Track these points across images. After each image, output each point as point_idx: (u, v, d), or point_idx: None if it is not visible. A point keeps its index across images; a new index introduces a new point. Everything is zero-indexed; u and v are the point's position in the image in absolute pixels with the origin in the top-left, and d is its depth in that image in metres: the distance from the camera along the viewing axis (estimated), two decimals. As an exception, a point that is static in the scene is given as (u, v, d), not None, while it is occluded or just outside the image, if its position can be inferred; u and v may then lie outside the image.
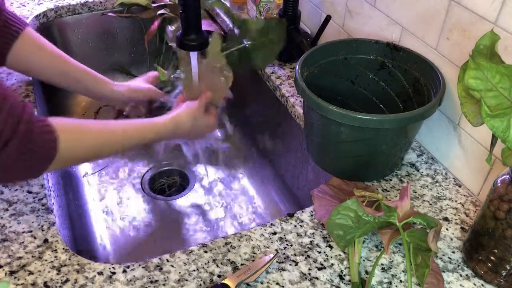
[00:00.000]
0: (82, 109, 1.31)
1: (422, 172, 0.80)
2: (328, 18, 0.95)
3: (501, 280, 0.62)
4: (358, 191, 0.71)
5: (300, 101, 0.96)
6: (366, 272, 0.64)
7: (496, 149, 0.57)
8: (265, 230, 0.70)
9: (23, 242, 0.66)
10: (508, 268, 0.61)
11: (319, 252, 0.66)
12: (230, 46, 0.94)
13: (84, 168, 1.14)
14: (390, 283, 0.62)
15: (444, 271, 0.64)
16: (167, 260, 0.65)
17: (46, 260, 0.64)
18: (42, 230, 0.68)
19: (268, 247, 0.67)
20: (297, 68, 0.75)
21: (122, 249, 0.96)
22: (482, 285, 0.63)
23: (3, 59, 0.80)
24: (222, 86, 0.92)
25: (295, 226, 0.70)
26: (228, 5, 1.26)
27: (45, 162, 0.60)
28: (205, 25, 1.25)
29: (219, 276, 0.63)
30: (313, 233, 0.69)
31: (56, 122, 0.61)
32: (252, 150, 1.21)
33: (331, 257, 0.66)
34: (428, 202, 0.75)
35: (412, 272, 0.60)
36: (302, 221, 0.71)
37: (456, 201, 0.75)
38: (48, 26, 1.25)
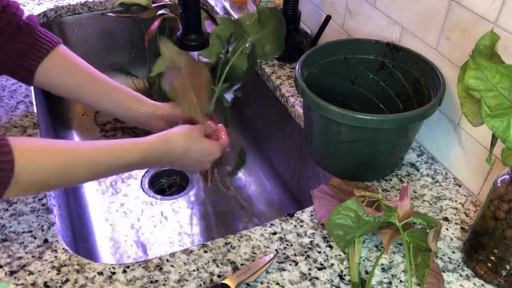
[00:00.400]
0: (82, 109, 1.31)
1: (422, 172, 0.80)
2: (328, 18, 0.95)
3: (501, 280, 0.62)
4: (358, 191, 0.71)
5: (300, 101, 0.96)
6: (366, 272, 0.64)
7: (496, 149, 0.57)
8: (265, 230, 0.70)
9: (23, 242, 0.66)
10: (508, 268, 0.61)
11: (319, 252, 0.66)
12: (234, 49, 0.87)
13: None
14: (390, 283, 0.62)
15: (444, 271, 0.64)
16: (167, 260, 0.65)
17: (46, 260, 0.64)
18: (42, 230, 0.68)
19: (268, 247, 0.67)
20: (297, 68, 0.75)
21: (122, 249, 0.96)
22: (482, 285, 0.63)
23: (31, 77, 0.76)
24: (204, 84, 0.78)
25: (295, 226, 0.70)
26: (228, 5, 1.26)
27: (0, 187, 0.55)
28: (205, 25, 1.25)
29: (219, 276, 0.63)
30: (313, 233, 0.69)
31: (15, 142, 0.56)
32: (252, 150, 1.21)
33: (331, 257, 0.66)
34: (428, 202, 0.75)
35: (412, 272, 0.60)
36: (302, 221, 0.71)
37: (456, 201, 0.75)
38: (48, 26, 1.25)
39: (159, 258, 0.65)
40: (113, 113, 0.81)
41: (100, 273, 0.62)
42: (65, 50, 0.78)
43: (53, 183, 0.61)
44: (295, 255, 0.66)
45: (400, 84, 0.82)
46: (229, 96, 0.78)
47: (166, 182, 1.13)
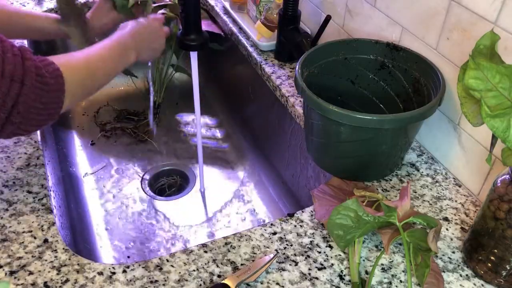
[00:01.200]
0: (82, 109, 1.31)
1: (422, 172, 0.80)
2: (328, 18, 0.95)
3: (501, 280, 0.62)
4: (358, 191, 0.71)
5: (300, 101, 0.96)
6: (366, 272, 0.64)
7: (496, 149, 0.57)
8: (265, 230, 0.70)
9: (23, 242, 0.66)
10: (508, 268, 0.61)
11: (319, 252, 0.66)
12: None
13: (84, 168, 1.14)
14: (390, 283, 0.62)
15: (444, 271, 0.64)
16: (167, 260, 0.65)
17: (46, 260, 0.64)
18: (42, 230, 0.68)
19: (268, 247, 0.67)
20: (297, 68, 0.75)
21: (122, 249, 0.96)
22: (482, 285, 0.63)
23: None
24: None
25: (295, 226, 0.70)
26: (228, 5, 1.26)
27: (59, 94, 0.61)
28: (205, 25, 1.26)
29: (219, 276, 0.63)
30: (313, 233, 0.69)
31: (49, 57, 0.63)
32: (252, 150, 1.21)
33: (331, 257, 0.66)
34: (428, 202, 0.75)
35: (412, 272, 0.60)
36: (302, 221, 0.71)
37: (456, 201, 0.75)
38: (48, 26, 1.25)
39: (159, 258, 0.65)
40: (29, 37, 1.01)
41: (100, 273, 0.62)
42: None
43: (89, 82, 0.72)
44: (295, 255, 0.66)
45: (400, 84, 0.82)
46: None
47: (166, 182, 1.13)
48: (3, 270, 0.62)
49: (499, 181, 0.59)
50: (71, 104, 0.66)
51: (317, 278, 0.63)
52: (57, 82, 0.61)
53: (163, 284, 0.61)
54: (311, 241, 0.68)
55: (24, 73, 0.56)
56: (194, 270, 0.63)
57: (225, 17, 1.26)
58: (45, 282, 0.61)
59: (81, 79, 0.68)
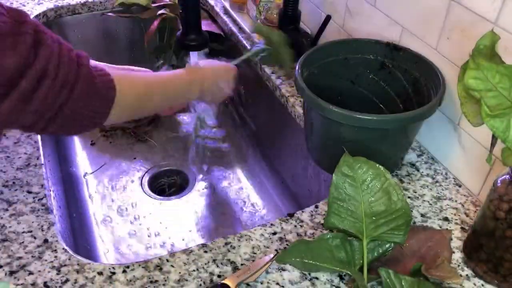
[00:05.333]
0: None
1: (422, 172, 0.80)
2: (328, 18, 0.94)
3: (501, 280, 0.62)
4: None
5: (300, 101, 0.96)
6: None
7: (496, 149, 0.57)
8: (265, 230, 0.70)
9: (23, 242, 0.66)
10: (508, 268, 0.61)
11: (319, 252, 0.66)
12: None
13: (84, 168, 1.14)
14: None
15: (444, 271, 0.64)
16: (167, 260, 0.65)
17: (46, 260, 0.64)
18: (42, 230, 0.68)
19: (268, 247, 0.67)
20: (297, 68, 0.75)
21: (122, 249, 0.96)
22: (482, 285, 0.63)
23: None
24: None
25: (295, 226, 0.70)
26: (228, 5, 1.26)
27: (108, 104, 0.62)
28: (205, 25, 1.26)
29: (219, 276, 0.63)
30: (313, 233, 0.69)
31: (111, 70, 0.64)
32: (252, 150, 1.21)
33: (331, 257, 0.65)
34: (428, 202, 0.75)
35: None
36: (302, 221, 0.71)
37: (456, 201, 0.75)
38: (48, 26, 1.25)
39: (159, 258, 0.65)
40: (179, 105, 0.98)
41: (100, 273, 0.62)
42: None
43: (141, 104, 0.71)
44: (295, 255, 0.66)
45: (400, 84, 0.82)
46: None
47: (166, 182, 1.13)
48: (3, 270, 0.62)
49: (499, 181, 0.59)
50: (118, 118, 0.66)
51: (317, 278, 0.63)
52: (107, 93, 0.62)
53: (163, 284, 0.61)
54: (311, 241, 0.68)
55: (76, 79, 0.57)
56: (194, 270, 0.63)
57: (225, 17, 1.26)
58: (45, 282, 0.61)
59: (134, 96, 0.68)
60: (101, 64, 0.64)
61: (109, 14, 1.28)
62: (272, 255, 0.63)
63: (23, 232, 0.67)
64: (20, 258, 0.64)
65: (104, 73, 0.62)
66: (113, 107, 0.63)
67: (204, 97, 0.85)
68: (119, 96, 0.63)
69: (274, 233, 0.69)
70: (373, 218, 0.62)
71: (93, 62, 0.62)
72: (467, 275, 0.64)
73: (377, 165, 0.64)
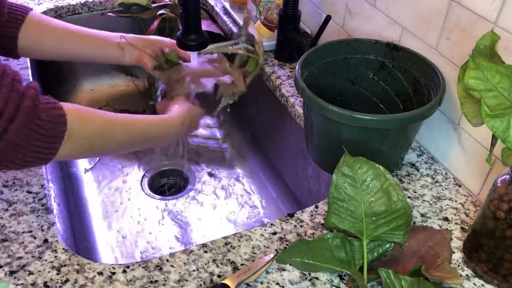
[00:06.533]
0: (82, 109, 1.31)
1: (422, 172, 0.80)
2: (328, 18, 0.94)
3: (501, 280, 0.62)
4: None
5: (300, 101, 0.96)
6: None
7: (496, 149, 0.57)
8: (265, 230, 0.70)
9: (23, 242, 0.66)
10: (508, 268, 0.61)
11: (319, 252, 0.66)
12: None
13: (83, 168, 1.14)
14: None
15: (444, 271, 0.64)
16: (167, 260, 0.65)
17: (46, 260, 0.64)
18: (42, 230, 0.68)
19: (268, 247, 0.67)
20: (297, 68, 0.75)
21: (122, 249, 0.96)
22: (482, 285, 0.63)
23: (15, 47, 0.79)
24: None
25: (295, 226, 0.70)
26: (228, 5, 1.26)
27: (54, 141, 0.58)
28: (205, 25, 1.26)
29: (219, 276, 0.63)
30: (313, 233, 0.69)
31: (66, 103, 0.60)
32: (252, 150, 1.21)
33: (331, 257, 0.65)
34: (428, 202, 0.75)
35: None
36: (302, 221, 0.71)
37: (456, 201, 0.75)
38: (48, 26, 1.25)
39: (159, 258, 0.65)
40: (88, 60, 0.92)
41: (100, 273, 0.62)
42: (37, 14, 0.82)
43: (99, 143, 0.66)
44: (295, 255, 0.66)
45: (400, 84, 0.82)
46: None
47: (166, 183, 1.13)
48: (3, 270, 0.62)
49: (499, 181, 0.59)
50: (71, 155, 0.62)
51: (317, 278, 0.63)
52: (55, 128, 0.58)
53: (163, 284, 0.61)
54: (311, 241, 0.68)
55: (16, 112, 0.53)
56: (194, 270, 0.63)
57: (225, 17, 1.26)
58: (45, 282, 0.61)
59: (92, 134, 0.64)
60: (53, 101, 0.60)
61: (109, 14, 1.28)
62: (272, 255, 0.63)
63: (23, 232, 0.67)
64: (20, 258, 0.64)
65: (54, 106, 0.58)
66: (63, 144, 0.59)
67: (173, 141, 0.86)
68: (72, 132, 0.59)
69: (274, 233, 0.69)
70: (373, 218, 0.62)
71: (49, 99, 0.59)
72: (467, 275, 0.64)
73: (377, 165, 0.64)
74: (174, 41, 0.89)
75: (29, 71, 1.00)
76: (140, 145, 0.78)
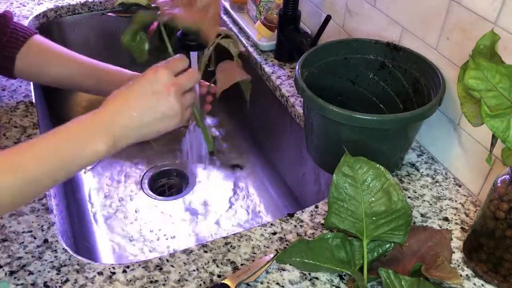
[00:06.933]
0: (82, 109, 1.31)
1: (422, 172, 0.80)
2: (328, 18, 0.94)
3: (501, 280, 0.62)
4: None
5: (300, 101, 0.96)
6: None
7: (496, 149, 0.57)
8: (265, 230, 0.70)
9: (23, 242, 0.66)
10: (508, 268, 0.61)
11: (319, 252, 0.66)
12: None
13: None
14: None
15: (444, 271, 0.64)
16: (167, 260, 0.65)
17: (46, 260, 0.64)
18: (42, 230, 0.68)
19: (268, 247, 0.67)
20: (297, 68, 0.75)
21: (122, 249, 0.96)
22: (482, 285, 0.63)
23: (12, 67, 0.79)
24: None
25: (295, 226, 0.70)
26: (228, 5, 1.26)
27: None
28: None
29: (219, 276, 0.63)
30: (313, 233, 0.69)
31: None
32: (252, 150, 1.21)
33: (331, 257, 0.65)
34: (428, 202, 0.75)
35: None
36: (302, 221, 0.71)
37: (456, 201, 0.75)
38: (48, 26, 1.25)
39: (159, 258, 0.65)
40: (94, 91, 0.84)
41: (100, 273, 0.62)
42: (41, 38, 0.81)
43: (29, 190, 0.53)
44: (295, 255, 0.66)
45: (400, 84, 0.82)
46: None
47: (166, 183, 1.13)
48: (3, 270, 0.62)
49: (499, 181, 0.59)
50: None
51: (317, 278, 0.63)
52: None
53: (163, 284, 0.61)
54: (311, 241, 0.68)
55: None
56: (194, 270, 0.63)
57: (225, 17, 1.26)
58: (45, 282, 0.61)
59: (11, 191, 0.51)
60: None
61: (109, 14, 1.28)
62: (272, 255, 0.63)
63: (23, 232, 0.67)
64: (20, 258, 0.64)
65: None
66: None
67: (122, 147, 0.59)
68: None
69: (274, 233, 0.69)
70: (373, 218, 0.62)
71: None
72: (467, 275, 0.64)
73: (378, 165, 0.64)
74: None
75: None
76: (64, 176, 0.56)
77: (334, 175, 0.63)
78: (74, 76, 0.82)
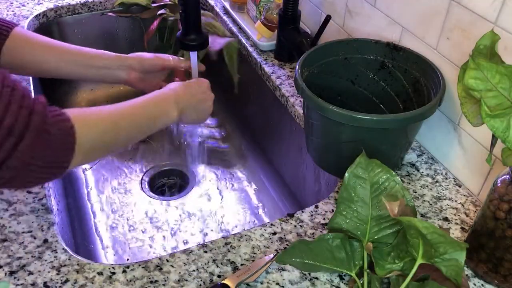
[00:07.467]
0: (82, 109, 1.31)
1: (422, 172, 0.80)
2: (328, 18, 0.94)
3: (501, 280, 0.62)
4: None
5: (300, 101, 0.96)
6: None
7: (496, 149, 0.57)
8: (265, 230, 0.70)
9: (23, 242, 0.66)
10: (508, 268, 0.61)
11: (319, 252, 0.66)
12: None
13: (83, 167, 1.14)
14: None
15: (444, 271, 0.64)
16: (167, 260, 0.65)
17: (46, 260, 0.64)
18: (42, 230, 0.68)
19: (268, 247, 0.67)
20: (297, 68, 0.75)
21: (122, 249, 0.96)
22: (482, 285, 0.63)
23: None
24: None
25: (295, 226, 0.70)
26: (228, 5, 1.26)
27: (66, 153, 0.57)
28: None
29: (219, 276, 0.63)
30: (313, 233, 0.69)
31: (69, 110, 0.59)
32: (252, 150, 1.21)
33: (331, 257, 0.65)
34: (428, 202, 0.75)
35: None
36: (302, 221, 0.71)
37: (456, 201, 0.75)
38: (48, 26, 1.25)
39: (159, 258, 0.65)
40: (79, 77, 0.86)
41: (100, 273, 0.62)
42: (22, 30, 0.81)
43: (108, 144, 0.66)
44: (295, 255, 0.66)
45: (400, 84, 0.82)
46: None
47: (166, 183, 1.13)
48: (3, 270, 0.62)
49: (499, 181, 0.59)
50: (86, 161, 0.62)
51: (317, 278, 0.63)
52: (66, 140, 0.57)
53: (163, 284, 0.61)
54: (311, 241, 0.68)
55: (26, 127, 0.52)
56: (194, 270, 0.63)
57: (225, 17, 1.26)
58: (45, 282, 0.61)
59: (100, 135, 0.63)
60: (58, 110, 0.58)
61: (109, 14, 1.28)
62: (272, 255, 0.63)
63: (23, 232, 0.67)
64: (20, 258, 0.64)
65: (63, 118, 0.57)
66: (75, 155, 0.58)
67: (184, 118, 0.79)
68: (81, 141, 0.58)
69: (274, 233, 0.69)
70: (378, 221, 0.62)
71: (53, 109, 0.57)
72: (467, 275, 0.64)
73: (388, 168, 0.64)
74: (176, 58, 0.89)
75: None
76: (145, 132, 0.75)
77: (346, 174, 0.63)
78: (60, 65, 0.83)
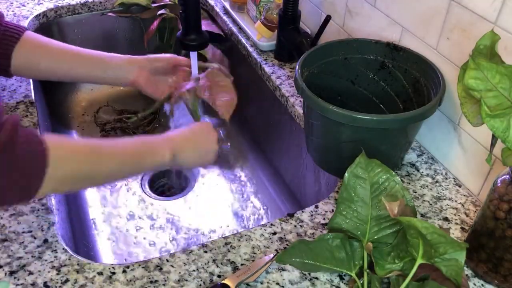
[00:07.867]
0: (82, 109, 1.31)
1: (422, 172, 0.80)
2: (328, 18, 0.94)
3: (501, 280, 0.62)
4: None
5: (300, 101, 0.96)
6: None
7: (496, 149, 0.57)
8: (265, 230, 0.70)
9: (23, 242, 0.66)
10: (508, 268, 0.61)
11: (319, 252, 0.66)
12: None
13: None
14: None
15: (444, 271, 0.64)
16: (167, 260, 0.65)
17: (46, 260, 0.64)
18: (42, 230, 0.68)
19: (268, 247, 0.67)
20: (297, 68, 0.75)
21: (122, 249, 0.96)
22: (482, 285, 0.63)
23: (8, 66, 0.79)
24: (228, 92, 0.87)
25: (295, 226, 0.70)
26: (228, 5, 1.26)
27: (35, 178, 0.54)
28: (205, 25, 1.26)
29: (219, 276, 0.63)
30: (313, 233, 0.69)
31: (47, 135, 0.57)
32: (252, 150, 1.21)
33: (331, 257, 0.65)
34: (428, 202, 0.75)
35: None
36: (302, 221, 0.71)
37: (456, 201, 0.75)
38: (48, 26, 1.25)
39: (159, 258, 0.65)
40: (87, 80, 0.89)
41: (100, 273, 0.62)
42: (32, 34, 0.82)
43: (84, 175, 0.62)
44: (295, 255, 0.66)
45: (400, 84, 0.82)
46: None
47: (165, 183, 1.13)
48: (3, 270, 0.62)
49: (499, 181, 0.59)
50: (58, 190, 0.60)
51: (317, 278, 0.63)
52: (35, 164, 0.54)
53: (163, 284, 0.61)
54: (311, 241, 0.68)
55: None
56: (194, 270, 0.63)
57: (225, 17, 1.26)
58: (45, 282, 0.61)
59: (76, 165, 0.60)
60: (35, 133, 0.57)
61: (109, 14, 1.28)
62: (272, 255, 0.63)
63: (23, 232, 0.67)
64: (20, 258, 0.64)
65: (35, 140, 0.55)
66: (45, 182, 0.55)
67: (183, 159, 0.74)
68: (54, 167, 0.55)
69: (274, 233, 0.69)
70: (378, 221, 0.62)
71: (30, 130, 0.56)
72: (467, 275, 0.64)
73: (388, 168, 0.64)
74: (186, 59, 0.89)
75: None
76: (131, 170, 0.71)
77: (345, 174, 0.63)
78: (68, 68, 0.83)
